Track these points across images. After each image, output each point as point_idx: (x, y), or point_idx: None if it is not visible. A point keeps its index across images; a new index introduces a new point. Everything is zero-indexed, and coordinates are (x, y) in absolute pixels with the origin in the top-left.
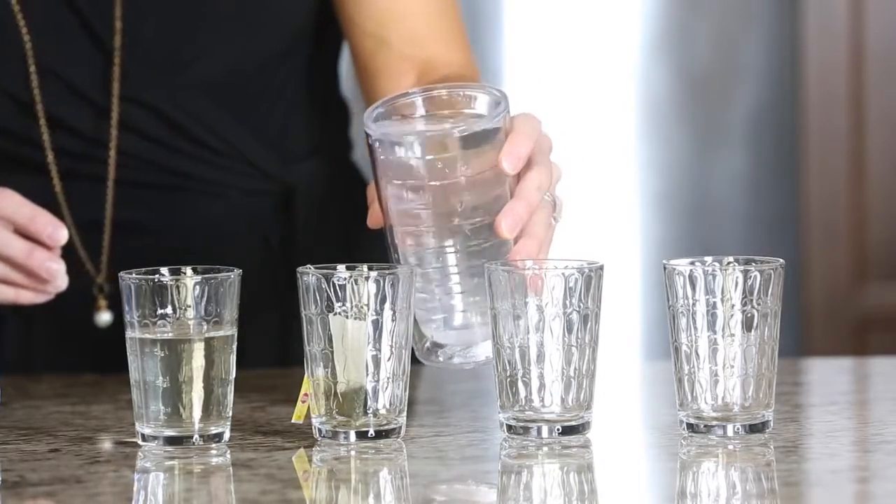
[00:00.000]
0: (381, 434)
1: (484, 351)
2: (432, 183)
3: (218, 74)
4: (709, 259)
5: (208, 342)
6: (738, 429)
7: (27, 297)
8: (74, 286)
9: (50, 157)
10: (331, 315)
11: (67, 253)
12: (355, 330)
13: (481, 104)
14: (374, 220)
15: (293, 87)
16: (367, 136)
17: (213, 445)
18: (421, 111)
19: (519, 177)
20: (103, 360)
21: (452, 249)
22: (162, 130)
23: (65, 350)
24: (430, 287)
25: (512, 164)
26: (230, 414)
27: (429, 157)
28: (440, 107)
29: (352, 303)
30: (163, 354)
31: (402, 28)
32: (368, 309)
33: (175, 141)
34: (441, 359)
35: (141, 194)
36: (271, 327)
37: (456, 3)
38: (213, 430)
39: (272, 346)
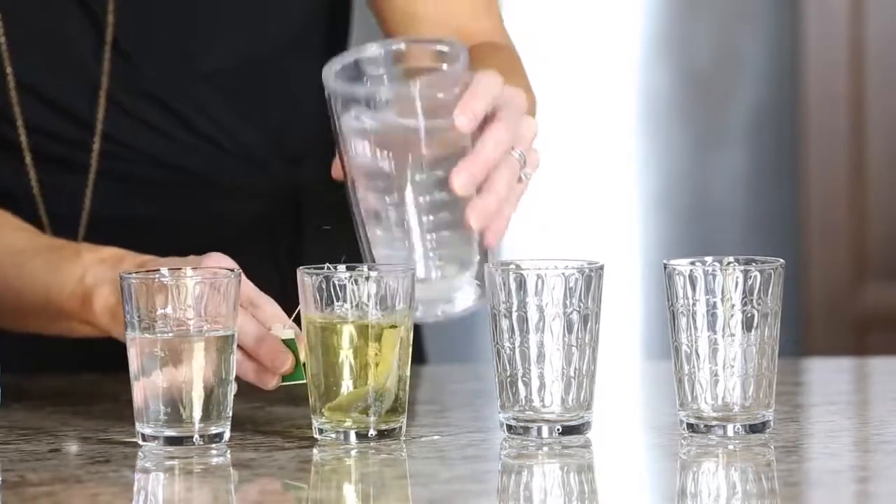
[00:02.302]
0: (381, 434)
1: (462, 302)
2: (390, 132)
3: (222, 67)
4: (709, 259)
5: (208, 342)
6: (738, 429)
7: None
8: None
9: (24, 139)
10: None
11: None
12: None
13: (442, 57)
14: (336, 172)
15: (297, 83)
16: (326, 88)
17: (213, 445)
18: (382, 66)
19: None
20: (103, 359)
21: (413, 203)
22: (167, 123)
23: (64, 349)
24: (394, 242)
25: (466, 120)
26: (230, 414)
27: (386, 103)
28: (403, 60)
29: (352, 303)
30: (163, 354)
31: (448, 24)
32: (369, 308)
33: (177, 133)
34: (419, 314)
35: (144, 191)
36: None
37: None
38: (213, 430)
39: None
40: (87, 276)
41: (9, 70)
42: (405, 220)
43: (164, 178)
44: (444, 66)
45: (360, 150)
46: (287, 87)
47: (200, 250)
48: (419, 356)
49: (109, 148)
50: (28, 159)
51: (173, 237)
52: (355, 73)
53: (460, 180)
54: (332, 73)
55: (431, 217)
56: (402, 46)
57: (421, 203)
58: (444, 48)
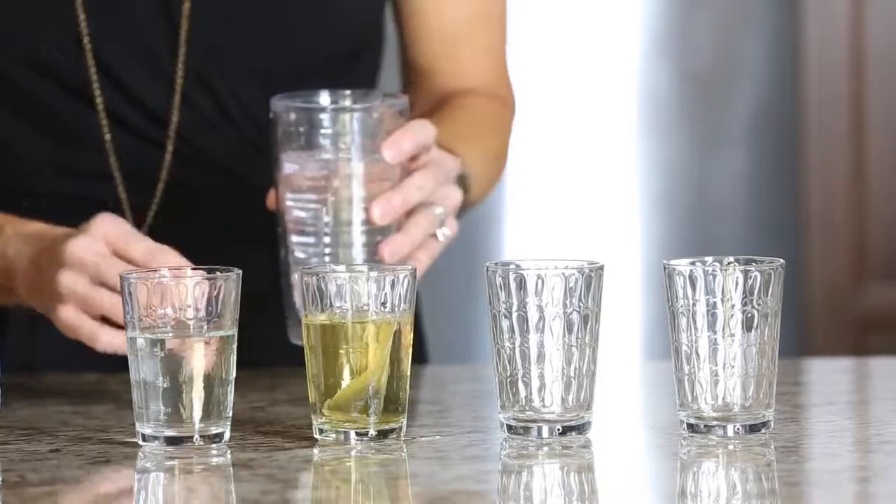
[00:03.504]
0: (381, 434)
1: None
2: (322, 157)
3: (272, 70)
4: (709, 259)
5: (208, 342)
6: (738, 429)
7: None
8: None
9: (107, 128)
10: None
11: None
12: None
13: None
14: (270, 201)
15: None
16: (271, 112)
17: (213, 445)
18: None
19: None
20: (104, 359)
21: (330, 234)
22: (218, 116)
23: (66, 349)
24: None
25: (392, 152)
26: (230, 414)
27: (322, 130)
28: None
29: (352, 303)
30: (163, 354)
31: (450, 65)
32: (369, 308)
33: (223, 126)
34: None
35: (198, 192)
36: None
37: (505, 26)
38: (213, 430)
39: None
40: (8, 250)
41: (86, 41)
42: (319, 249)
43: (210, 175)
44: (385, 114)
45: (292, 172)
46: None
47: (217, 249)
48: (421, 355)
49: (180, 144)
50: (110, 147)
51: (196, 234)
52: (301, 111)
53: (379, 210)
54: (281, 106)
55: (344, 250)
56: (348, 93)
57: (338, 237)
58: (390, 100)
